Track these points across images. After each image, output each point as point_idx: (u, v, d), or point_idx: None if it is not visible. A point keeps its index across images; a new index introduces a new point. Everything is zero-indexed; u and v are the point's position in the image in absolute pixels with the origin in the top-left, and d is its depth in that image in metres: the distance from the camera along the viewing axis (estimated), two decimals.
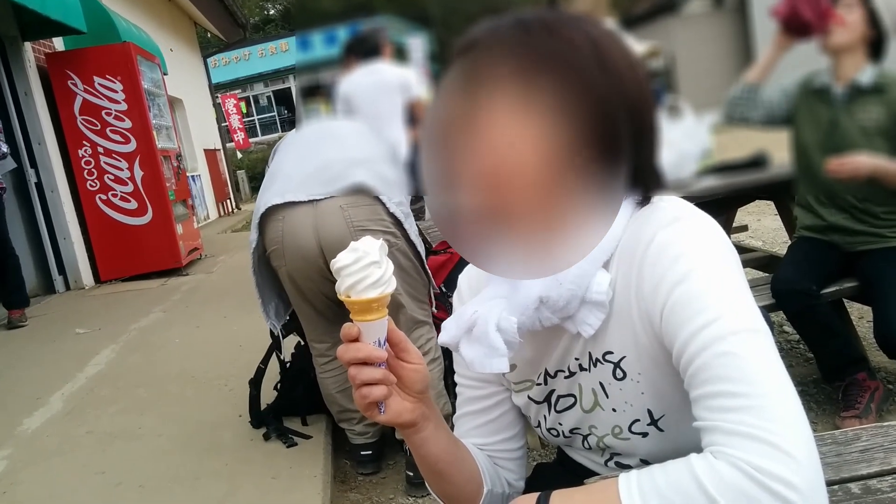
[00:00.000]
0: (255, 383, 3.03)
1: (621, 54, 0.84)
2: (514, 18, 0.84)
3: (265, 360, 3.05)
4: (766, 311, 2.02)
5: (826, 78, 2.73)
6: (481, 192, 0.78)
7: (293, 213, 2.46)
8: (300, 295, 2.60)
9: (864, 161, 2.54)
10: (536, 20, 0.83)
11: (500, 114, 0.76)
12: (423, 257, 2.62)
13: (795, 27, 2.65)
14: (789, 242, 3.17)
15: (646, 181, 0.92)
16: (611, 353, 0.97)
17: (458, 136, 0.79)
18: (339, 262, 0.86)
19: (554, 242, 0.82)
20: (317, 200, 2.44)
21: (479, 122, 0.77)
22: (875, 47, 2.65)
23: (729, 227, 4.00)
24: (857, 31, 2.61)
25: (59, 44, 7.50)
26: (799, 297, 2.71)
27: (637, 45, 2.49)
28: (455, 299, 1.16)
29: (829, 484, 0.97)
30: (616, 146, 0.80)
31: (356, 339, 0.88)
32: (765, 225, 6.11)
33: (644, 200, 0.94)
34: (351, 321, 0.88)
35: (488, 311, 0.96)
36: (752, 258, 3.75)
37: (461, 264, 2.92)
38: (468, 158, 0.78)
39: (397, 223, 2.51)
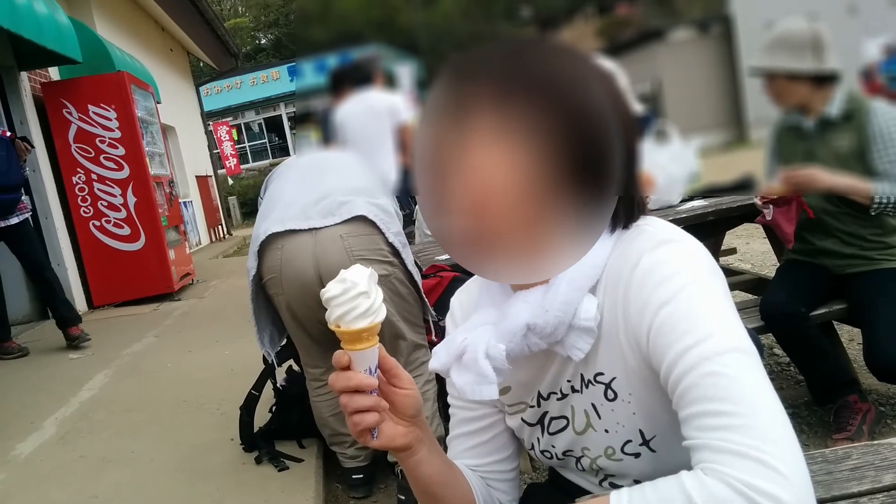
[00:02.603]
0: (248, 410, 3.02)
1: (606, 83, 0.86)
2: (500, 45, 0.85)
3: (257, 387, 3.04)
4: (756, 333, 2.03)
5: (796, 116, 2.73)
6: (467, 216, 0.80)
7: (293, 241, 2.47)
8: (296, 321, 2.60)
9: (818, 174, 2.54)
10: (522, 47, 0.84)
11: (485, 139, 0.78)
12: (420, 284, 2.63)
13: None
14: (778, 265, 3.19)
15: (628, 208, 0.93)
16: (601, 374, 0.98)
17: (444, 161, 0.80)
18: (328, 292, 0.85)
19: (538, 260, 0.84)
20: (317, 229, 2.45)
21: (464, 147, 0.78)
22: (825, 79, 2.62)
23: (717, 251, 4.02)
24: (803, 92, 2.63)
25: (54, 73, 7.52)
26: (788, 319, 2.72)
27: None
28: (448, 321, 1.17)
29: (820, 502, 0.97)
30: (605, 173, 0.81)
31: (347, 368, 0.88)
32: (753, 248, 6.14)
33: (625, 226, 0.95)
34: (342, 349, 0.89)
35: (477, 338, 0.96)
36: (740, 281, 3.77)
37: (451, 288, 2.95)
38: (455, 183, 0.80)
39: (395, 252, 2.52)
